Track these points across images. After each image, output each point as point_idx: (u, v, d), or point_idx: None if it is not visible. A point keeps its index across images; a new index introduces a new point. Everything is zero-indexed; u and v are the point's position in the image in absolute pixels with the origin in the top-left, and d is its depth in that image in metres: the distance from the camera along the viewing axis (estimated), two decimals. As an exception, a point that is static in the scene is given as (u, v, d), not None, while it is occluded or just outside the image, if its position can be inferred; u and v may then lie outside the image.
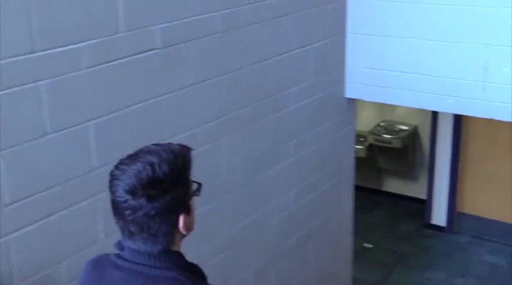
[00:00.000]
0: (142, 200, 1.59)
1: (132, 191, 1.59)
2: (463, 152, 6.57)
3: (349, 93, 4.02)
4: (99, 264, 1.81)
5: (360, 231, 7.00)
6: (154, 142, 1.78)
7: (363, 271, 6.24)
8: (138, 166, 1.60)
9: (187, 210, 1.70)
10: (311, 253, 4.09)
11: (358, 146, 7.16)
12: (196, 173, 2.68)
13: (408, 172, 7.36)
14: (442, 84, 3.67)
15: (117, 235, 1.73)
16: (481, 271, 6.21)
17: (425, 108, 3.79)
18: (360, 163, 7.37)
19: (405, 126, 7.09)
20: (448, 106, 3.70)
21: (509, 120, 3.53)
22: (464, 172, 6.63)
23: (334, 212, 4.20)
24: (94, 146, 2.49)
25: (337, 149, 4.11)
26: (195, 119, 3.00)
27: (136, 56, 2.59)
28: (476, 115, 3.62)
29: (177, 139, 2.89)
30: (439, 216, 6.86)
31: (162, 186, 1.60)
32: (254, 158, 3.41)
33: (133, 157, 1.64)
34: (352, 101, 4.11)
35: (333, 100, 3.96)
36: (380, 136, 6.98)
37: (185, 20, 2.80)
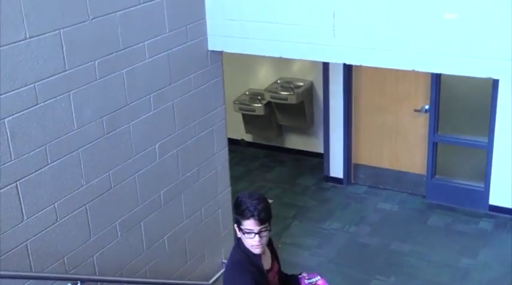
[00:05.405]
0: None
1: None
2: (355, 105, 6.72)
3: (212, 46, 4.06)
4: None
5: (260, 188, 7.15)
6: None
7: (261, 225, 6.36)
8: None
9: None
10: (186, 206, 4.16)
11: (256, 105, 7.26)
12: (43, 128, 2.92)
13: (308, 128, 7.48)
14: (296, 31, 3.74)
15: None
16: (374, 218, 6.43)
17: (283, 56, 3.86)
18: (260, 122, 7.51)
19: (301, 82, 7.18)
20: (302, 52, 3.79)
21: (358, 64, 3.65)
22: (357, 124, 6.80)
23: (207, 164, 4.26)
24: None
25: (205, 102, 4.15)
26: (34, 73, 2.98)
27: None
28: (328, 61, 3.72)
29: (14, 93, 2.89)
30: (336, 169, 7.02)
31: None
32: (107, 113, 3.43)
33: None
34: (217, 53, 4.15)
35: (196, 53, 4.00)
36: (276, 93, 7.05)
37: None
